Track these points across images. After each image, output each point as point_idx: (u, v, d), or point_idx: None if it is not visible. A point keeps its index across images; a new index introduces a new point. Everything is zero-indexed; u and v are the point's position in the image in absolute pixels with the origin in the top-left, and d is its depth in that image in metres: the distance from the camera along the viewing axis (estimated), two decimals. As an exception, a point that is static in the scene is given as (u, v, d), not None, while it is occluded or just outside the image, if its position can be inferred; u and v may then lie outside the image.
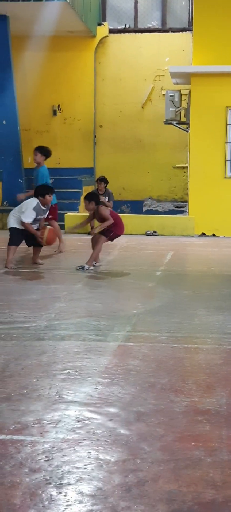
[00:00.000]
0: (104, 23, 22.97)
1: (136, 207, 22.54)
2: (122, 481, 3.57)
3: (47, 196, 11.79)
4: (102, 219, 11.58)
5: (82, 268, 11.31)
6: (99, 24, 22.86)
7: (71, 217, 18.71)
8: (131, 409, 4.65)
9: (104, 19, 23.17)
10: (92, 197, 11.76)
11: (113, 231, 11.69)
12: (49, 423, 4.37)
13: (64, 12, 19.28)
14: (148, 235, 18.13)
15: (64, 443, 4.06)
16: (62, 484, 3.52)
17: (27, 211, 11.61)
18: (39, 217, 11.74)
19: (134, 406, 4.72)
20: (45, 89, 22.68)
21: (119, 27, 23.18)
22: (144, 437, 4.16)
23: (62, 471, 3.66)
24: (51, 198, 11.94)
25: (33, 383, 5.23)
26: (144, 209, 22.69)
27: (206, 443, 4.06)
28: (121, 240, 16.45)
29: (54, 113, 23.08)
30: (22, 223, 11.55)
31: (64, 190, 20.79)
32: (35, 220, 11.67)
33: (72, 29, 21.50)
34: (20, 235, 11.71)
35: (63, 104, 23.06)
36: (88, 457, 3.86)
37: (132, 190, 23.16)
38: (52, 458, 3.82)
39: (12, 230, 11.75)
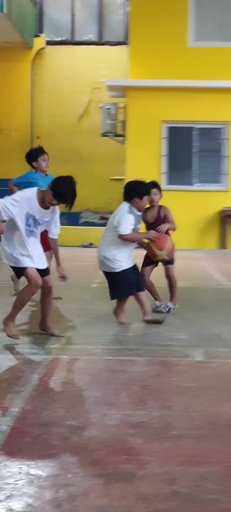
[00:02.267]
0: (41, 34, 22.95)
1: (73, 219, 22.51)
2: (52, 496, 3.55)
3: (145, 198, 8.40)
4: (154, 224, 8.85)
5: (169, 309, 8.91)
6: (36, 36, 22.82)
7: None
8: (63, 423, 4.63)
9: (41, 31, 23.15)
10: (160, 188, 9.25)
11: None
12: (-20, 439, 4.32)
13: (0, 23, 19.17)
14: (84, 247, 18.15)
15: (-5, 459, 4.01)
16: (-9, 500, 3.48)
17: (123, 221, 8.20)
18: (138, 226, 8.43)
19: (66, 420, 4.71)
20: (-18, 100, 22.53)
21: (56, 39, 23.17)
22: (76, 452, 4.14)
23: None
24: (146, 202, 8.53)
25: None
26: (81, 221, 22.71)
27: (137, 456, 4.07)
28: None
29: (-10, 124, 22.93)
30: (123, 237, 8.12)
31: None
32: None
33: (8, 40, 21.41)
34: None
35: (0, 115, 22.92)
36: (19, 472, 3.83)
37: (69, 202, 23.14)
38: (-18, 475, 3.78)
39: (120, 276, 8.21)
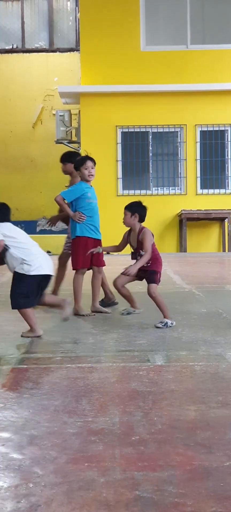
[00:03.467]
0: (-8, 43, 22.83)
1: (30, 227, 22.46)
2: (14, 507, 3.51)
3: None
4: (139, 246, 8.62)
5: (166, 324, 8.43)
6: (-13, 44, 22.71)
7: None
8: (23, 433, 4.60)
9: (-8, 39, 23.04)
10: (136, 209, 8.72)
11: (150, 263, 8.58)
12: None
13: None
14: (48, 252, 18.07)
15: None
16: None
17: None
18: None
19: (26, 429, 4.67)
20: None
21: (6, 47, 23.07)
22: (37, 461, 4.11)
23: None
24: None
25: None
26: (38, 229, 22.66)
27: (99, 463, 4.06)
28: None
29: None
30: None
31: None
32: None
33: None
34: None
35: None
36: (-20, 485, 3.78)
37: (25, 210, 23.08)
38: None
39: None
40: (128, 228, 8.74)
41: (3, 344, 7.42)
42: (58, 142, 20.69)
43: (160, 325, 8.29)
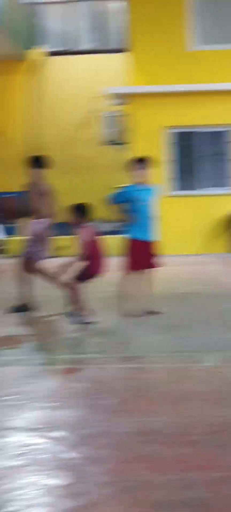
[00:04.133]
0: (40, 45, 22.97)
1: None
2: (70, 505, 3.57)
3: None
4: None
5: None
6: (36, 47, 22.85)
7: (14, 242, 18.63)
8: (77, 432, 4.65)
9: (42, 42, 23.17)
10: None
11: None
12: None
13: (-1, 35, 19.22)
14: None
15: (10, 470, 4.03)
16: (10, 511, 3.49)
17: None
18: None
19: (80, 428, 4.72)
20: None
21: (55, 50, 23.21)
22: (91, 460, 4.16)
23: (7, 498, 3.64)
24: None
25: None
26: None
27: (152, 463, 4.08)
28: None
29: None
30: None
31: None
32: None
33: (5, 52, 21.42)
34: None
35: (0, 127, 22.94)
36: (36, 483, 3.84)
37: (72, 211, 23.14)
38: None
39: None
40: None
41: (55, 345, 7.48)
42: (104, 143, 20.74)
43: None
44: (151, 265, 9.19)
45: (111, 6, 23.48)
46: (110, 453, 4.25)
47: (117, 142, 20.50)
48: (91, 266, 8.48)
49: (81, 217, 8.59)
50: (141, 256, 9.09)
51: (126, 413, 5.05)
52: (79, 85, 22.87)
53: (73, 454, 4.25)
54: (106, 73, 22.61)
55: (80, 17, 23.45)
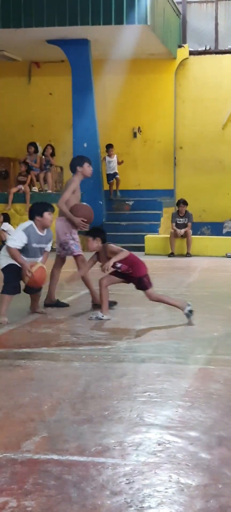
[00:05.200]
0: (184, 45, 22.97)
1: (216, 228, 22.38)
2: (203, 506, 3.52)
3: (46, 214, 8.92)
4: (123, 261, 8.84)
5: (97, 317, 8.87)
6: (180, 46, 22.86)
7: (151, 239, 18.73)
8: (212, 433, 4.60)
9: (184, 41, 23.17)
10: (98, 233, 9.06)
11: (131, 270, 8.84)
12: (130, 446, 4.36)
13: (144, 35, 19.36)
14: (229, 257, 17.94)
15: (145, 466, 4.04)
16: (143, 507, 3.50)
17: (15, 234, 9.07)
18: (34, 245, 8.86)
19: (215, 430, 4.67)
20: (125, 111, 22.82)
21: (199, 49, 23.12)
22: (226, 462, 4.10)
23: (143, 495, 3.64)
24: (51, 218, 9.03)
25: (114, 405, 5.23)
26: (224, 231, 22.51)
27: None
28: (201, 262, 16.37)
29: (135, 135, 23.19)
30: (8, 249, 8.80)
31: (144, 212, 20.85)
32: (29, 251, 8.80)
33: (152, 51, 21.58)
34: (16, 279, 8.89)
35: (144, 126, 23.13)
36: (169, 480, 3.83)
37: (212, 211, 23.00)
38: (133, 481, 3.81)
39: (5, 271, 8.93)
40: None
41: (191, 344, 7.45)
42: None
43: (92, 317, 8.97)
44: None
45: None
46: (246, 457, 4.17)
47: None
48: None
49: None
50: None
51: None
52: (222, 84, 22.66)
53: (208, 455, 4.20)
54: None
55: (226, 16, 23.21)
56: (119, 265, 8.72)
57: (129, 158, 22.94)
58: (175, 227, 18.59)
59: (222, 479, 3.85)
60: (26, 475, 3.89)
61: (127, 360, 6.72)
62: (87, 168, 9.95)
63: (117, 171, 21.65)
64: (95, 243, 8.91)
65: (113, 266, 8.72)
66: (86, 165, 9.93)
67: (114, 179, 21.62)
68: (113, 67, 21.93)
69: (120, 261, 8.71)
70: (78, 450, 4.28)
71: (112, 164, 21.60)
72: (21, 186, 20.05)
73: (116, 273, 8.86)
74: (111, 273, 8.85)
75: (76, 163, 10.03)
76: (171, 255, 18.21)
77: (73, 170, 10.03)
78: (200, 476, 3.90)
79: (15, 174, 21.00)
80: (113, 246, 8.89)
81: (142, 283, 8.73)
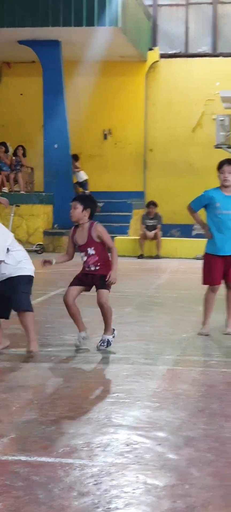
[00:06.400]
0: (155, 48, 23.04)
1: (186, 230, 22.44)
2: (170, 506, 3.54)
3: None
4: (100, 250, 7.25)
5: (107, 343, 7.24)
6: (151, 49, 22.93)
7: (121, 241, 18.75)
8: (180, 434, 4.62)
9: (155, 44, 23.25)
10: (89, 204, 7.36)
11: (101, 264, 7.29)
12: (98, 447, 4.36)
13: (116, 37, 19.40)
14: (198, 259, 18.00)
15: (112, 467, 4.05)
16: (110, 508, 3.51)
17: None
18: None
19: (183, 430, 4.69)
20: (97, 113, 22.83)
21: (170, 52, 23.22)
22: (193, 462, 4.12)
23: (110, 495, 3.65)
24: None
25: (82, 406, 5.24)
26: (193, 233, 22.60)
27: None
28: (171, 264, 16.43)
29: (105, 137, 23.22)
30: None
31: (114, 214, 20.87)
32: None
33: (123, 54, 21.62)
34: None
35: (114, 128, 23.17)
36: (137, 481, 3.84)
37: (182, 214, 23.03)
38: (100, 482, 3.82)
39: None
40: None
41: (160, 345, 7.48)
42: (217, 146, 20.58)
43: (102, 347, 7.17)
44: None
45: (228, 9, 23.24)
46: (213, 457, 4.20)
47: (228, 145, 20.28)
48: None
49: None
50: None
51: (230, 418, 4.99)
52: (193, 88, 22.77)
53: (176, 456, 4.23)
54: (220, 77, 22.41)
55: (196, 20, 23.33)
56: (93, 252, 7.22)
57: (100, 160, 22.97)
58: (144, 229, 18.66)
59: (189, 480, 3.87)
60: (-7, 476, 3.88)
61: (96, 361, 6.73)
62: None
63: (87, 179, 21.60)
64: (83, 214, 7.24)
65: (86, 253, 7.25)
66: None
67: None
68: (84, 68, 21.93)
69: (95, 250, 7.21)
70: (46, 451, 4.27)
71: (80, 174, 21.55)
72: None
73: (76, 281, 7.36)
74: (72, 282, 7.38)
75: None
76: (141, 256, 18.25)
77: None
78: (167, 476, 3.92)
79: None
80: (104, 230, 7.36)
81: (104, 281, 7.12)
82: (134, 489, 3.74)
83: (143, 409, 5.17)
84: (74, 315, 7.34)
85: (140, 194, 22.93)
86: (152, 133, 23.21)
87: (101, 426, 4.76)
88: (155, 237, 18.51)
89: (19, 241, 17.69)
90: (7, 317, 7.14)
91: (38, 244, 19.09)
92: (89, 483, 3.81)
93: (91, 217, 7.31)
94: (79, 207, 7.22)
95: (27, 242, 19.25)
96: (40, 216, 19.82)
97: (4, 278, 6.91)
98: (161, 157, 23.21)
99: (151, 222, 18.83)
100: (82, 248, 7.28)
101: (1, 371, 6.33)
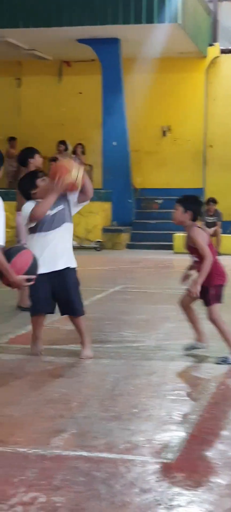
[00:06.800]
0: (215, 43, 22.86)
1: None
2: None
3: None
4: (194, 250, 6.86)
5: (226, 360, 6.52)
6: (211, 45, 22.75)
7: (180, 238, 18.65)
8: (242, 433, 4.56)
9: (215, 40, 23.06)
10: (191, 205, 6.94)
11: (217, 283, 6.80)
12: (159, 444, 4.33)
13: (175, 33, 19.30)
14: None
15: (174, 464, 4.01)
16: (172, 505, 3.47)
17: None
18: None
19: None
20: (155, 110, 22.76)
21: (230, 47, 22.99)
22: None
23: (172, 493, 3.61)
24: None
25: (143, 402, 5.21)
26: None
27: None
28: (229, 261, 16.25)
29: (164, 134, 23.12)
30: None
31: (173, 211, 20.75)
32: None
33: (183, 50, 21.50)
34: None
35: (173, 125, 23.06)
36: (199, 479, 3.80)
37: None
38: (162, 479, 3.78)
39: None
40: None
41: (221, 343, 7.39)
42: None
43: (220, 361, 6.51)
44: None
45: None
46: None
47: None
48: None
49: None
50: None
51: None
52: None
53: (237, 454, 4.17)
54: None
55: None
56: (196, 259, 6.78)
57: (158, 157, 22.89)
58: (204, 226, 18.52)
59: (252, 479, 3.81)
60: (55, 471, 3.88)
61: (156, 358, 6.70)
62: (38, 159, 9.32)
63: None
64: (184, 217, 6.84)
65: (193, 259, 6.87)
66: (37, 156, 9.30)
67: None
68: (143, 65, 21.86)
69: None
70: (107, 447, 4.26)
71: None
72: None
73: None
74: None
75: (26, 156, 9.30)
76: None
77: (24, 163, 9.24)
78: (229, 474, 3.87)
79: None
80: (200, 234, 6.77)
81: (209, 295, 6.66)
82: (196, 487, 3.69)
83: (205, 407, 5.11)
84: (190, 321, 6.96)
85: (199, 191, 22.75)
86: (212, 129, 23.02)
87: (162, 423, 4.73)
88: (215, 234, 18.36)
89: (78, 238, 17.81)
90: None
91: (97, 241, 19.15)
92: (151, 479, 3.78)
93: (195, 219, 6.85)
94: (180, 209, 6.85)
95: (86, 239, 19.35)
96: (99, 213, 19.87)
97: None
98: (221, 153, 23.00)
99: (210, 219, 18.69)
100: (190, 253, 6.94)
101: (61, 367, 6.35)
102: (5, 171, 21.96)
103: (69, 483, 3.72)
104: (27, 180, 6.86)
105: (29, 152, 9.39)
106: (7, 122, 22.97)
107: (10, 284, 5.38)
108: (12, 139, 22.23)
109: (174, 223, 7.12)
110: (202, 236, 6.72)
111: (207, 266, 6.54)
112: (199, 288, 6.50)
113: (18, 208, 8.98)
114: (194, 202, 7.01)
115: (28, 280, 5.46)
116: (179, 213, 6.86)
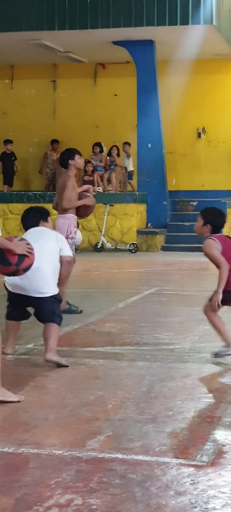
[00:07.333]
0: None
1: None
2: None
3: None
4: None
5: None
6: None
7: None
8: None
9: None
10: (209, 219, 6.88)
11: None
12: (194, 446, 4.34)
13: (210, 35, 19.25)
14: None
15: (209, 467, 4.02)
16: (207, 508, 3.48)
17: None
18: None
19: None
20: (190, 112, 22.72)
21: None
22: None
23: (207, 496, 3.63)
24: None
25: (178, 405, 5.23)
26: None
27: None
28: None
29: (199, 135, 23.07)
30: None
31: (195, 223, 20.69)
32: None
33: (218, 51, 21.43)
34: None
35: (208, 126, 23.00)
36: (234, 482, 3.81)
37: None
38: (197, 482, 3.80)
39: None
40: None
41: None
42: None
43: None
44: None
45: None
46: None
47: None
48: None
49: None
50: None
51: None
52: None
53: None
54: None
55: None
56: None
57: (193, 159, 22.85)
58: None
59: None
60: (91, 473, 3.92)
61: (191, 361, 6.71)
62: (79, 160, 9.43)
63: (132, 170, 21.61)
64: (203, 230, 6.82)
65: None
66: (77, 157, 9.39)
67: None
68: (177, 67, 21.84)
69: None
70: (142, 450, 4.29)
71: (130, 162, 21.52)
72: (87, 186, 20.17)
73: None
74: None
75: (67, 157, 9.42)
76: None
77: (65, 165, 9.43)
78: None
79: (80, 174, 21.16)
80: (210, 246, 6.68)
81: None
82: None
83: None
84: (215, 327, 6.84)
85: (234, 193, 22.69)
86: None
87: (197, 426, 4.74)
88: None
89: (113, 240, 17.87)
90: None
91: (132, 243, 19.18)
92: (186, 482, 3.79)
93: (214, 231, 6.80)
94: (200, 221, 6.82)
95: (121, 241, 19.38)
96: (133, 215, 19.88)
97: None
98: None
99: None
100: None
101: (96, 369, 6.39)
102: (44, 172, 22.17)
103: (105, 485, 3.75)
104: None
105: (70, 153, 9.51)
106: (43, 125, 23.14)
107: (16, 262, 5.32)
108: (54, 142, 22.33)
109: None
110: (211, 247, 6.64)
111: (224, 273, 6.51)
112: (220, 297, 6.48)
113: (59, 212, 9.20)
114: (214, 215, 6.95)
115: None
116: (199, 225, 6.84)
